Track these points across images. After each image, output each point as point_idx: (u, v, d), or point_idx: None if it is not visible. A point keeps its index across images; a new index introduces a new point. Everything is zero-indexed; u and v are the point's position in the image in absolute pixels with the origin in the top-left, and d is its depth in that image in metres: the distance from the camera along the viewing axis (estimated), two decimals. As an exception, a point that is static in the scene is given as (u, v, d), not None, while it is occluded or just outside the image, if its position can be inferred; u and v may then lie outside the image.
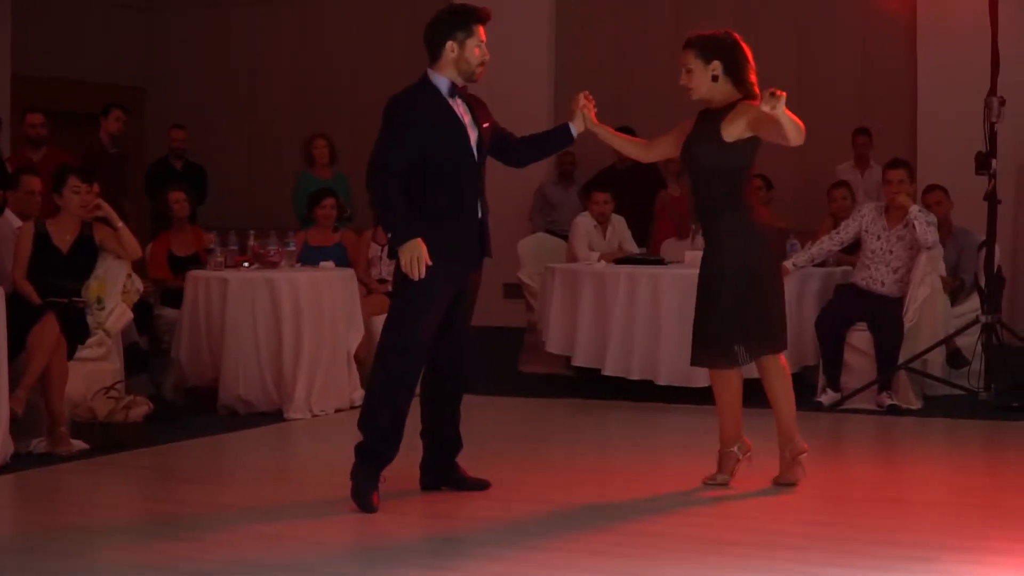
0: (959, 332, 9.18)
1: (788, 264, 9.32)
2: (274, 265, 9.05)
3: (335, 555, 5.43)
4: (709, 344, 6.45)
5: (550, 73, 13.93)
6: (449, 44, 6.07)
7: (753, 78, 6.38)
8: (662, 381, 9.28)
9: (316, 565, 5.21)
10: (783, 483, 6.47)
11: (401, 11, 14.47)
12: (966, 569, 5.10)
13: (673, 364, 9.27)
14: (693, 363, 6.65)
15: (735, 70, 6.35)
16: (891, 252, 9.14)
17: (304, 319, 8.76)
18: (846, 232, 9.38)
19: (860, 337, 9.10)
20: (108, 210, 8.26)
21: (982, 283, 9.19)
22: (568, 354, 9.75)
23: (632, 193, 11.90)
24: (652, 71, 13.40)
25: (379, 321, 9.28)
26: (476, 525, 5.90)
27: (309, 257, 9.55)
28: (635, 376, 9.39)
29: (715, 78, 6.35)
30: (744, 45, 6.37)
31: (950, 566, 5.14)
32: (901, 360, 8.87)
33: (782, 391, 6.52)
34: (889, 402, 8.83)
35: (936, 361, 9.14)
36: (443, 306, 6.10)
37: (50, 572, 5.12)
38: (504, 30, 13.25)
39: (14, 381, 7.19)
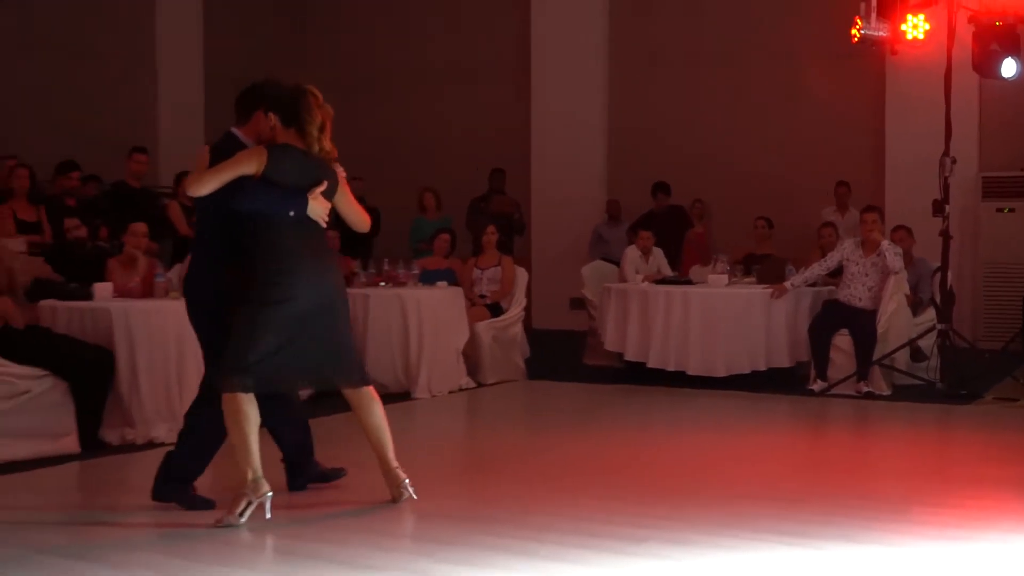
0: (920, 336, 9.10)
1: (787, 284, 9.33)
2: (403, 284, 9.13)
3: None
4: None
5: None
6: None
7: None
8: (692, 371, 9.33)
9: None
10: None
11: (503, 84, 14.47)
12: (934, 520, 5.04)
13: (700, 358, 9.35)
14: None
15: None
16: (866, 275, 9.09)
17: (425, 324, 8.82)
18: (831, 260, 9.35)
19: (842, 340, 9.02)
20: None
21: (937, 299, 9.10)
22: (621, 351, 9.77)
23: (667, 231, 11.93)
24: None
25: (481, 327, 9.43)
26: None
27: (427, 278, 9.62)
28: (671, 367, 9.42)
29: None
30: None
31: (920, 516, 5.12)
32: (875, 358, 8.80)
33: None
34: (865, 389, 8.76)
35: (901, 358, 9.06)
36: None
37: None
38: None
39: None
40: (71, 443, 6.31)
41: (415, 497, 5.10)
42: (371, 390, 5.12)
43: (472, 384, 9.20)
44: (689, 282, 10.10)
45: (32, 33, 12.35)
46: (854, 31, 9.18)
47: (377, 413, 5.11)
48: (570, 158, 13.68)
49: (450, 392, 8.91)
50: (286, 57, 15.20)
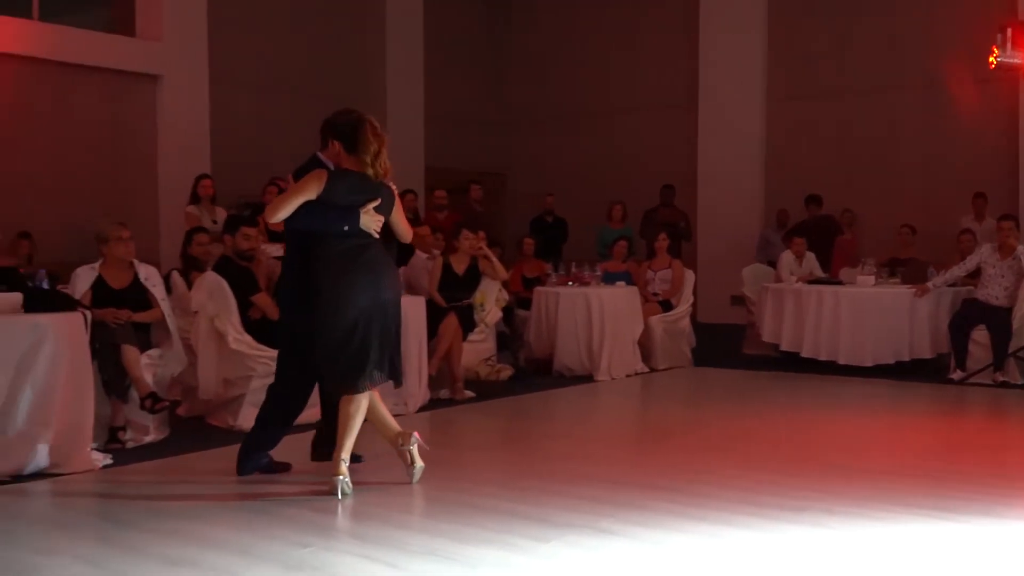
0: (1053, 332, 8.50)
1: (929, 284, 8.88)
2: (587, 284, 9.08)
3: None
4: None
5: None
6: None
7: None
8: (841, 361, 9.00)
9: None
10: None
11: (675, 112, 14.29)
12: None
13: (849, 349, 9.01)
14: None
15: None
16: (1003, 276, 8.55)
17: (606, 317, 8.75)
18: (970, 264, 8.85)
19: (980, 334, 8.50)
20: (487, 251, 8.41)
21: (1070, 298, 8.47)
22: (777, 342, 9.51)
23: (819, 237, 11.49)
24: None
25: (654, 320, 9.29)
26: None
27: (608, 278, 9.54)
28: (823, 357, 9.11)
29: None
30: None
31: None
32: (1010, 351, 8.26)
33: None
34: (1001, 379, 8.25)
35: (1036, 352, 8.48)
36: None
37: (446, 463, 5.24)
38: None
39: (430, 354, 7.43)
40: (314, 413, 6.49)
41: (345, 494, 4.59)
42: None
43: (645, 369, 9.10)
44: (839, 282, 9.72)
45: (284, 83, 12.83)
46: (991, 59, 8.72)
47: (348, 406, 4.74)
48: (731, 175, 13.42)
49: (627, 375, 8.83)
50: (492, 95, 15.41)
